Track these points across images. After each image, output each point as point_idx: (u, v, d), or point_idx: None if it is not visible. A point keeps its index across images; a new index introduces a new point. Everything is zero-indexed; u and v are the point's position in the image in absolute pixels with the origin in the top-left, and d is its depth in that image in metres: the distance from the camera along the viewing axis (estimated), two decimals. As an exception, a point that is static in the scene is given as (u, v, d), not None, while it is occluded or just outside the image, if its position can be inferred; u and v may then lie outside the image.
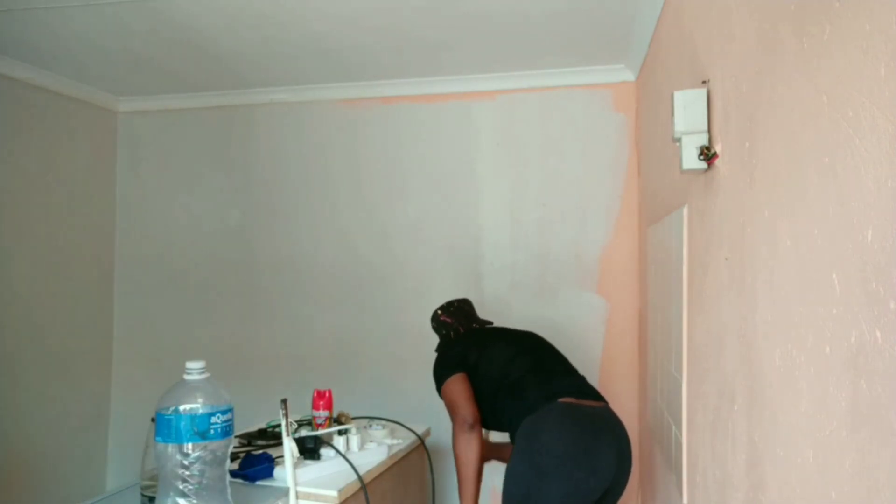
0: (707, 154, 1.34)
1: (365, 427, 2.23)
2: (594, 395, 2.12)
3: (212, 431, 1.44)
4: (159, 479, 1.46)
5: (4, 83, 2.99)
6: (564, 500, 1.88)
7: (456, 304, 2.51)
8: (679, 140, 1.40)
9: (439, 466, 3.03)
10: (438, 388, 2.23)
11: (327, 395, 2.14)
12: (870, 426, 0.67)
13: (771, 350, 0.99)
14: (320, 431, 2.02)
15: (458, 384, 2.16)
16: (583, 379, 2.18)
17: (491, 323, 2.51)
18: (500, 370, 2.16)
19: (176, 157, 3.61)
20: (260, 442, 2.16)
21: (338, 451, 1.95)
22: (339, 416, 2.21)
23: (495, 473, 2.76)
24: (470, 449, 2.08)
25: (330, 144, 3.40)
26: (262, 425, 2.32)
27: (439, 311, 2.49)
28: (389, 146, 3.33)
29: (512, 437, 2.08)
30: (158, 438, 1.44)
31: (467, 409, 2.10)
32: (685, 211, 1.66)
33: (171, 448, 1.43)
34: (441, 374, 2.22)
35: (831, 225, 0.77)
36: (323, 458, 1.93)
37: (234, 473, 1.79)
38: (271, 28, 2.56)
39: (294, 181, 3.44)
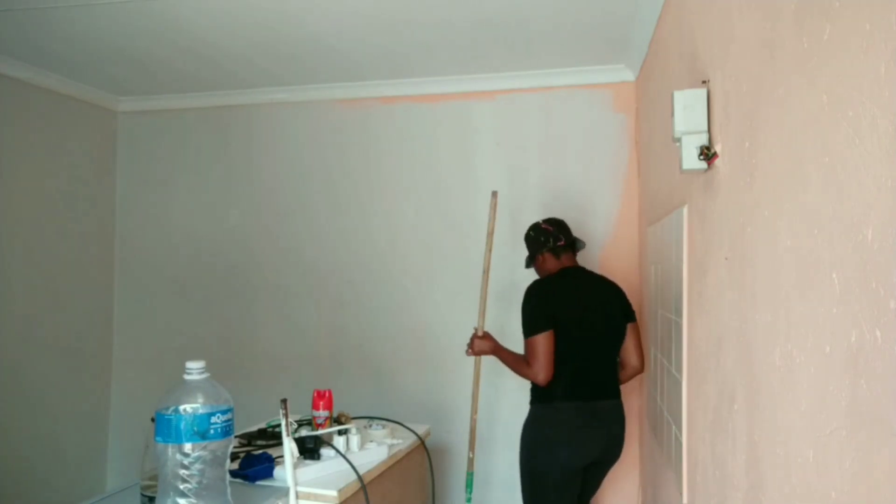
0: (707, 154, 1.34)
1: (365, 427, 2.23)
2: (606, 393, 2.37)
3: (212, 431, 1.44)
4: (159, 479, 1.46)
5: (4, 83, 2.99)
6: (552, 475, 2.29)
7: (556, 219, 2.56)
8: (679, 140, 1.40)
9: (439, 466, 3.03)
10: (525, 332, 2.33)
11: (327, 395, 2.14)
12: (870, 426, 0.66)
13: (771, 350, 0.99)
14: (320, 431, 2.02)
15: (544, 343, 2.27)
16: (608, 376, 2.39)
17: (584, 245, 2.56)
18: (567, 348, 2.29)
19: (176, 157, 3.61)
20: (260, 442, 2.16)
21: (338, 451, 1.95)
22: (339, 416, 2.21)
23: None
24: (528, 372, 2.29)
25: (330, 144, 3.40)
26: (262, 425, 2.32)
27: (541, 221, 2.54)
28: (389, 146, 3.33)
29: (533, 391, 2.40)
30: (158, 438, 1.44)
31: (546, 370, 2.25)
32: (685, 211, 1.66)
33: (170, 448, 1.42)
34: (532, 323, 2.30)
35: (831, 225, 0.77)
36: (323, 458, 1.93)
37: (234, 473, 1.79)
38: (271, 28, 2.56)
39: (294, 181, 3.44)
